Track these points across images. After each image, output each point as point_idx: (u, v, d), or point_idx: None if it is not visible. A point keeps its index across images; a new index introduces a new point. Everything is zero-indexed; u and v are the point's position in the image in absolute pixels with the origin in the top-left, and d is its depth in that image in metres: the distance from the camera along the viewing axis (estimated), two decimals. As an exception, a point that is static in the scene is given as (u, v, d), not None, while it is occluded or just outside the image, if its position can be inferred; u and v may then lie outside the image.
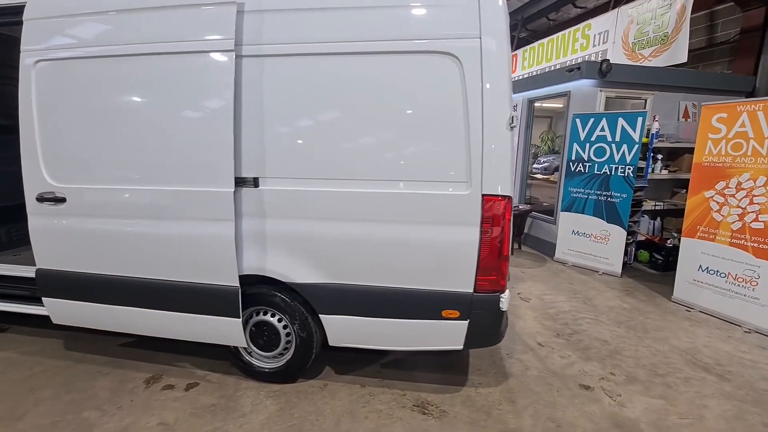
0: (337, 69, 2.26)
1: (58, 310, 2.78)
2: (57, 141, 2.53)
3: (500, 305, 2.32)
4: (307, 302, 2.53)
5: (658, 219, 5.92)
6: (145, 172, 2.43)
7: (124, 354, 3.07)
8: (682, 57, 6.27)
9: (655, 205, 5.68)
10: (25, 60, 2.53)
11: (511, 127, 2.18)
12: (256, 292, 2.56)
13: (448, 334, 2.41)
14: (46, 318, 2.85)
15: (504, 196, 2.21)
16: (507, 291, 2.36)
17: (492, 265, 2.27)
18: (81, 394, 2.61)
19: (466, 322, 2.36)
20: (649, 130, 5.18)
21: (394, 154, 2.27)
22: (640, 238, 5.67)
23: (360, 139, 2.29)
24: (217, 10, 2.25)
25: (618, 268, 5.17)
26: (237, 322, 2.48)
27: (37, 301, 3.01)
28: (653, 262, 5.47)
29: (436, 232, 2.28)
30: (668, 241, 5.47)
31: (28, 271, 3.22)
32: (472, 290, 2.32)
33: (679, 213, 6.03)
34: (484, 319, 2.36)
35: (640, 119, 4.76)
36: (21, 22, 2.61)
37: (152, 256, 2.50)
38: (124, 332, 2.74)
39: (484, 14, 2.12)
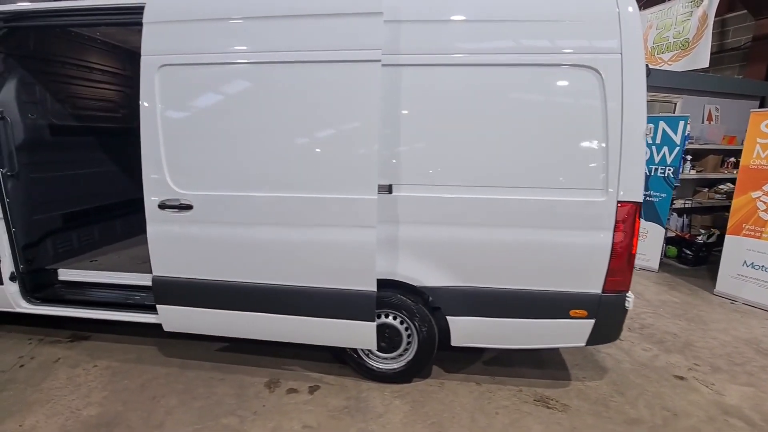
0: (475, 79, 2.33)
1: (173, 317, 2.76)
2: (183, 147, 2.51)
3: (626, 304, 2.47)
4: (429, 304, 2.62)
5: (686, 216, 6.26)
6: (281, 178, 2.44)
7: (228, 359, 3.07)
8: (704, 62, 6.61)
9: (685, 203, 6.01)
10: (147, 64, 2.48)
11: (646, 136, 2.31)
12: (382, 295, 2.62)
13: (573, 332, 2.55)
14: (129, 325, 2.83)
15: (636, 203, 2.35)
16: (630, 291, 2.51)
17: (622, 266, 2.41)
18: (207, 400, 2.61)
19: (592, 321, 2.50)
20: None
21: (529, 162, 2.37)
22: (670, 234, 5.99)
23: (496, 147, 2.38)
24: (364, 20, 2.27)
25: (655, 264, 5.47)
26: (371, 326, 2.54)
27: (142, 309, 2.99)
28: (682, 257, 5.79)
29: (570, 237, 2.40)
30: (698, 238, 5.81)
31: (138, 279, 3.19)
32: (600, 291, 2.45)
33: (704, 210, 6.38)
34: (610, 317, 2.51)
35: (681, 123, 5.03)
36: (137, 24, 2.57)
37: (284, 263, 2.52)
38: (242, 337, 2.75)
39: (624, 29, 2.24)
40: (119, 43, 4.09)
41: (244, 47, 2.38)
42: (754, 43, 7.10)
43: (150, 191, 2.57)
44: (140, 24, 2.51)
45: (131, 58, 4.31)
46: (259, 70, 2.39)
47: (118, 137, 4.13)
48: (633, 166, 2.30)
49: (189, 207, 2.54)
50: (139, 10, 2.51)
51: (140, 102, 2.51)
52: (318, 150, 2.39)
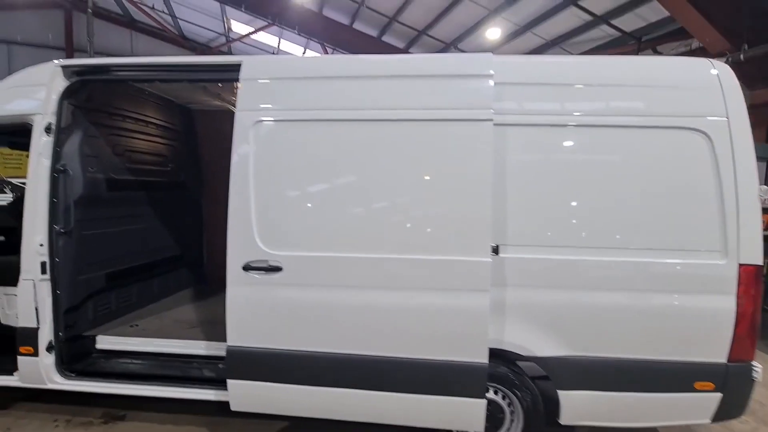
0: (587, 139, 2.32)
1: (247, 394, 2.42)
2: (276, 205, 2.36)
3: (753, 375, 2.29)
4: (535, 377, 2.38)
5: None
6: (384, 239, 2.28)
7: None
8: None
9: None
10: (243, 119, 2.41)
11: (763, 199, 2.29)
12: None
13: (697, 407, 2.33)
14: (171, 401, 2.53)
15: (757, 265, 2.27)
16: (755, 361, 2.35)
17: (747, 333, 2.27)
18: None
19: (719, 395, 2.30)
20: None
21: (645, 223, 2.29)
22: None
23: (610, 208, 2.31)
24: (475, 81, 2.28)
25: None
26: (480, 404, 2.26)
27: (197, 382, 2.64)
28: None
29: (690, 301, 2.27)
30: None
31: (188, 348, 2.85)
32: (725, 360, 2.28)
33: None
34: (738, 390, 2.31)
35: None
36: (232, 80, 2.52)
37: (384, 331, 2.29)
38: (326, 417, 2.41)
39: (727, 96, 2.30)
40: (171, 98, 4.05)
41: (348, 105, 2.34)
42: (751, 110, 7.63)
43: (235, 251, 2.36)
44: (236, 80, 2.48)
45: (181, 112, 4.27)
46: (361, 127, 2.33)
47: (164, 192, 3.95)
48: (751, 228, 2.25)
49: (278, 269, 2.32)
50: (235, 67, 2.47)
51: (232, 157, 2.39)
52: (426, 210, 2.28)
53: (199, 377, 2.70)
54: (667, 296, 2.27)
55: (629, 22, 8.65)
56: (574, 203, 2.30)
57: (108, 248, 3.23)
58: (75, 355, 2.86)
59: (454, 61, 2.41)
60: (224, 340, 2.94)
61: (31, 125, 2.66)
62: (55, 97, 2.67)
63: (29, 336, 2.66)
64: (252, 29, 13.51)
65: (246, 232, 2.35)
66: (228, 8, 12.58)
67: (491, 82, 2.26)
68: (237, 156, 2.38)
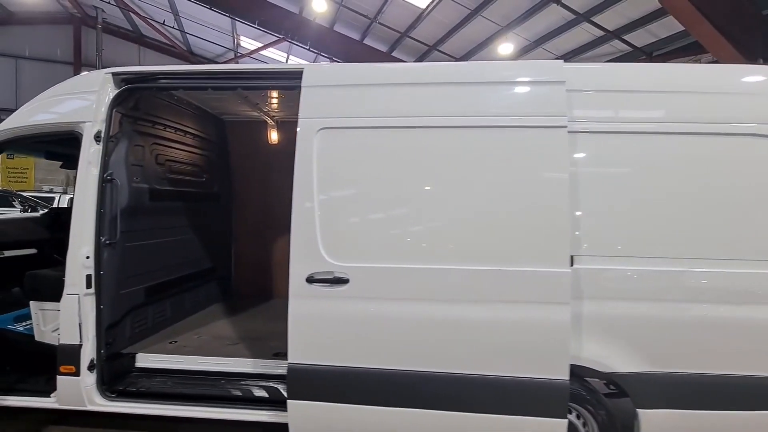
0: (658, 147, 2.26)
1: (309, 416, 2.28)
2: (342, 214, 2.27)
3: None
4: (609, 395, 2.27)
5: None
6: (456, 249, 2.20)
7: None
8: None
9: None
10: (306, 127, 2.34)
11: None
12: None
13: (786, 425, 2.22)
14: (213, 423, 2.38)
15: None
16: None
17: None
18: None
19: (812, 412, 2.19)
20: None
21: (728, 232, 2.21)
22: None
23: (690, 218, 2.23)
24: (547, 88, 2.23)
25: None
26: (561, 424, 2.14)
27: (246, 403, 2.50)
28: None
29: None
30: None
31: (234, 365, 2.71)
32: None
33: None
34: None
35: None
36: (291, 88, 2.47)
37: (455, 346, 2.17)
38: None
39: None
40: (207, 108, 4.00)
41: (416, 112, 2.28)
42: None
43: (298, 262, 2.26)
44: (296, 88, 2.43)
45: (215, 123, 4.21)
46: (431, 135, 2.27)
47: (199, 203, 3.85)
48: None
49: (344, 281, 2.22)
50: (296, 75, 2.42)
51: (296, 166, 2.31)
52: (501, 218, 2.19)
53: (250, 397, 2.56)
54: (756, 308, 2.18)
55: (640, 37, 8.81)
56: (652, 212, 2.22)
57: (148, 261, 3.11)
58: (115, 374, 2.71)
59: (525, 67, 2.36)
60: (270, 357, 2.84)
61: (80, 133, 2.58)
62: (105, 104, 2.60)
63: (71, 354, 2.51)
64: (260, 45, 13.68)
65: (310, 243, 2.25)
66: (238, 24, 12.75)
67: (564, 89, 2.22)
68: (300, 164, 2.31)
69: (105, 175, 2.58)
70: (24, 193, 8.91)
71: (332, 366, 2.23)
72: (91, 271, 2.53)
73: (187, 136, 3.68)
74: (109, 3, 12.85)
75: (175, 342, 3.10)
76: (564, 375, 2.11)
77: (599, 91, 2.30)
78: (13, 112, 2.67)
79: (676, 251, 2.20)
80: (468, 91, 2.28)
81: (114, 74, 2.65)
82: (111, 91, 2.63)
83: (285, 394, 2.44)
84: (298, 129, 2.35)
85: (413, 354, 2.19)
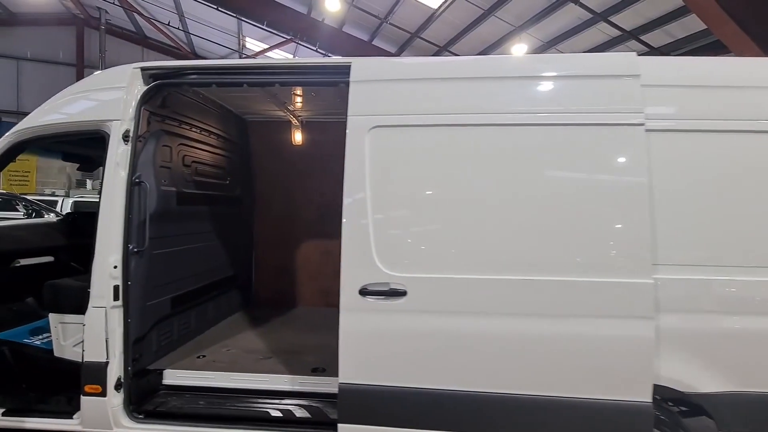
0: (745, 147, 2.08)
1: (362, 441, 2.08)
2: (398, 220, 2.08)
3: None
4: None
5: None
6: (526, 258, 2.00)
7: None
8: None
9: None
10: (356, 125, 2.15)
11: None
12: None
13: None
14: None
15: None
16: None
17: None
18: None
19: None
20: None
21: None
22: None
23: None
24: (621, 82, 2.06)
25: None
26: (643, 451, 1.95)
27: (289, 425, 2.30)
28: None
29: None
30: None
31: (272, 383, 2.51)
32: None
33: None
34: None
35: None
36: (337, 83, 2.29)
37: (525, 365, 1.98)
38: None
39: None
40: (230, 107, 3.81)
41: (478, 108, 2.10)
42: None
43: (350, 273, 2.07)
44: (339, 84, 2.25)
45: (237, 123, 4.02)
46: (497, 133, 2.08)
47: (223, 207, 3.65)
48: None
49: (401, 293, 2.03)
50: (342, 69, 2.24)
51: (346, 166, 2.12)
52: (573, 225, 2.00)
53: (292, 419, 2.36)
54: None
55: (657, 38, 8.69)
56: (741, 217, 2.04)
57: (174, 270, 2.91)
58: (141, 392, 2.51)
59: (597, 60, 2.19)
60: (309, 373, 2.64)
61: (106, 132, 2.38)
62: (133, 101, 2.41)
63: (97, 372, 2.31)
64: (266, 46, 13.52)
65: (363, 252, 2.06)
66: (244, 25, 12.59)
67: (639, 84, 2.04)
68: (351, 165, 2.12)
69: (134, 178, 2.39)
70: (28, 196, 8.68)
71: (389, 386, 2.03)
72: (119, 282, 2.33)
73: (211, 136, 3.48)
74: (113, 3, 12.68)
75: (204, 356, 2.89)
76: (647, 397, 1.92)
77: (678, 86, 2.12)
78: (15, 114, 2.49)
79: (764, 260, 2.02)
80: (533, 86, 2.10)
81: (143, 69, 2.46)
82: (139, 88, 2.44)
83: (331, 415, 2.26)
84: (347, 127, 2.16)
85: (479, 374, 2.00)
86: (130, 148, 2.37)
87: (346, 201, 2.10)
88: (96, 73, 2.64)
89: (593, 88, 2.08)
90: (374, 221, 2.07)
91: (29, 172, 13.14)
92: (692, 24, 7.92)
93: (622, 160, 2.01)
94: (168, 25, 13.21)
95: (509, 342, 1.98)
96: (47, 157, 3.33)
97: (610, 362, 1.94)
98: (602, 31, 8.91)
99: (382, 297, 2.04)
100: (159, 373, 2.64)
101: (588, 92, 2.08)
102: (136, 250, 2.42)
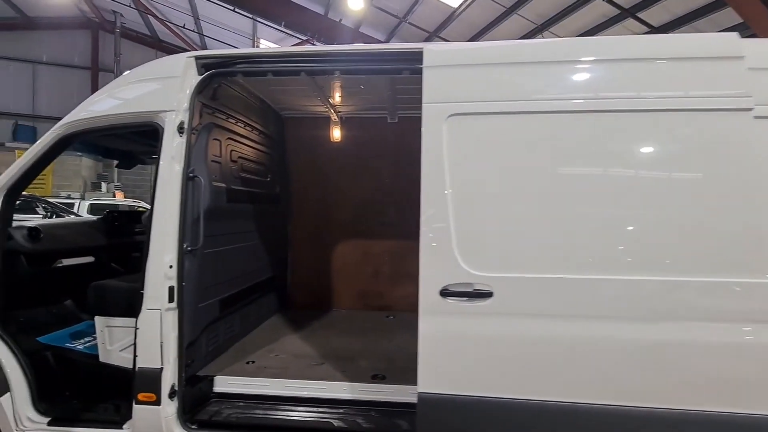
0: None
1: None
2: (482, 215, 1.92)
3: None
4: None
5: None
6: (627, 256, 1.83)
7: None
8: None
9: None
10: (432, 113, 2.00)
11: None
12: None
13: None
14: None
15: None
16: None
17: None
18: None
19: None
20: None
21: None
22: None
23: None
24: (725, 65, 1.89)
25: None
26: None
27: None
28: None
29: None
30: None
31: (332, 391, 2.36)
32: None
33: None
34: None
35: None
36: (399, 71, 2.16)
37: (636, 374, 1.79)
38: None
39: None
40: (270, 102, 3.68)
41: (569, 94, 1.93)
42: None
43: (429, 272, 1.91)
44: (407, 71, 2.12)
45: (276, 119, 3.89)
46: (590, 119, 1.91)
47: (264, 205, 3.52)
48: None
49: (487, 294, 1.86)
50: (413, 56, 2.10)
51: (422, 158, 1.97)
52: (682, 218, 1.83)
53: (356, 429, 2.20)
54: None
55: (655, 15, 8.43)
56: None
57: (223, 270, 2.77)
58: (194, 400, 2.36)
59: (698, 41, 2.02)
60: (368, 380, 2.49)
61: (160, 125, 2.25)
62: (188, 91, 2.28)
63: (151, 379, 2.16)
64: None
65: (443, 250, 1.90)
66: (259, 26, 12.56)
67: (745, 66, 1.88)
68: (428, 157, 1.96)
69: (188, 172, 2.25)
70: (49, 199, 8.65)
71: (475, 397, 1.87)
72: (174, 283, 2.19)
73: (254, 132, 3.35)
74: (128, 6, 12.71)
75: (253, 362, 2.74)
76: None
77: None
78: (31, 117, 2.36)
79: None
80: (629, 69, 1.93)
81: (197, 58, 2.33)
82: (194, 77, 2.32)
83: (403, 427, 2.11)
84: (422, 115, 2.01)
85: (579, 384, 1.82)
86: (184, 140, 2.24)
87: (425, 195, 1.94)
88: (148, 63, 2.48)
89: (695, 70, 1.91)
90: (455, 216, 1.91)
91: (45, 175, 13.14)
92: (722, 20, 7.74)
93: (727, 148, 1.84)
94: (183, 27, 13.22)
95: (616, 349, 1.80)
96: (88, 153, 3.21)
97: (747, 372, 1.75)
98: (627, 28, 8.74)
99: (465, 298, 1.87)
100: (210, 380, 2.50)
101: (690, 75, 1.91)
102: (190, 248, 2.29)
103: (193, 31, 13.77)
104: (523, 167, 1.93)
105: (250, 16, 10.90)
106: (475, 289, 1.87)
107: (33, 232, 2.50)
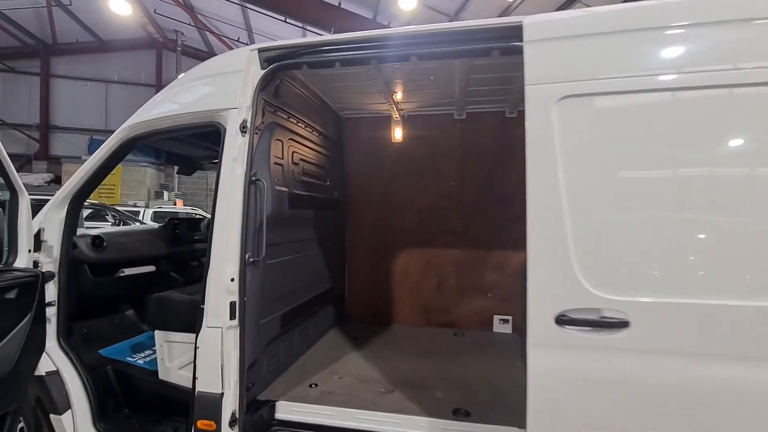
0: None
1: None
2: (609, 221, 1.52)
3: None
4: None
5: None
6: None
7: None
8: None
9: None
10: (537, 96, 1.62)
11: None
12: None
13: None
14: None
15: None
16: None
17: None
18: None
19: None
20: None
21: None
22: None
23: None
24: None
25: None
26: None
27: None
28: None
29: None
30: None
31: (431, 428, 2.04)
32: None
33: None
34: None
35: None
36: (489, 51, 1.81)
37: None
38: None
39: None
40: (329, 101, 3.47)
41: (723, 62, 1.49)
42: None
43: (541, 294, 1.52)
44: (501, 50, 1.77)
45: (334, 119, 3.68)
46: (748, 95, 1.46)
47: (324, 211, 3.29)
48: None
49: (621, 324, 1.45)
50: (510, 31, 1.74)
51: (527, 152, 1.60)
52: None
53: None
54: None
55: None
56: None
57: (284, 282, 2.54)
58: (255, 428, 2.12)
59: None
60: (449, 416, 2.12)
61: (221, 124, 2.06)
62: (251, 87, 2.08)
63: (211, 405, 1.95)
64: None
65: (559, 265, 1.51)
66: (309, 35, 12.74)
67: None
68: (535, 149, 1.59)
69: (251, 175, 2.04)
70: (117, 208, 9.18)
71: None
72: (236, 297, 1.97)
73: (314, 132, 3.14)
74: (188, 25, 13.42)
75: (316, 385, 2.47)
76: None
77: None
78: (103, 132, 2.27)
79: None
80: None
81: (260, 51, 2.12)
82: (256, 72, 2.11)
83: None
84: (525, 100, 1.64)
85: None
86: (247, 140, 2.03)
87: (531, 196, 1.57)
88: (209, 60, 2.33)
89: None
90: (574, 223, 1.52)
91: (115, 185, 14.12)
92: None
93: None
94: (237, 41, 13.72)
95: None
96: (150, 158, 3.15)
97: None
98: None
99: (590, 328, 1.47)
100: (272, 406, 2.25)
101: None
102: (252, 259, 2.07)
103: (246, 44, 14.26)
104: (662, 158, 1.50)
105: (300, 25, 11.03)
106: (603, 317, 1.46)
107: (97, 240, 2.42)
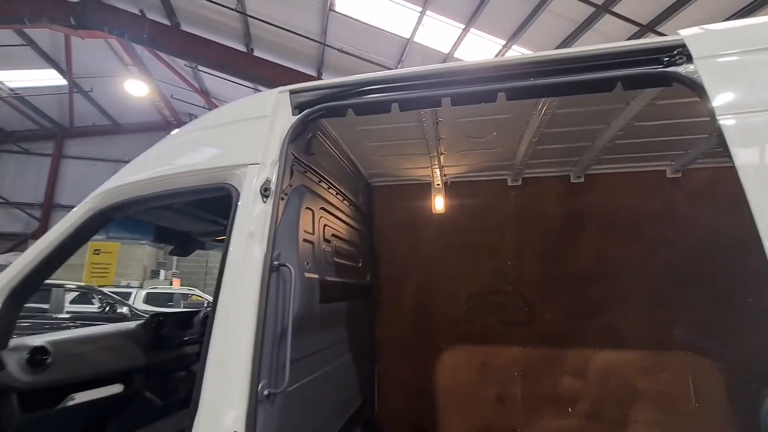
0: None
1: None
2: None
3: None
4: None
5: None
6: None
7: None
8: None
9: None
10: (743, 129, 1.03)
11: None
12: None
13: None
14: None
15: None
16: None
17: None
18: None
19: None
20: None
21: None
22: None
23: None
24: None
25: None
26: None
27: None
28: None
29: None
30: None
31: None
32: None
33: None
34: None
35: None
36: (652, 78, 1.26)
37: None
38: None
39: None
40: (361, 167, 2.93)
41: None
42: None
43: None
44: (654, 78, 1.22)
45: (364, 186, 3.11)
46: None
47: (356, 301, 2.54)
48: None
49: None
50: (664, 50, 1.22)
51: (750, 198, 0.95)
52: None
53: None
54: None
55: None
56: None
57: (311, 418, 1.72)
58: None
59: None
60: None
61: (233, 186, 1.45)
62: (278, 138, 1.51)
63: None
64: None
65: None
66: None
67: None
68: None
69: (273, 258, 1.37)
70: (105, 289, 8.35)
71: None
72: None
73: (345, 202, 2.53)
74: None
75: None
76: None
77: None
78: None
79: None
80: None
81: (291, 92, 1.60)
82: (287, 120, 1.56)
83: None
84: (726, 137, 1.04)
85: None
86: (270, 208, 1.40)
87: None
88: (223, 106, 1.81)
89: None
90: None
91: (110, 264, 13.37)
92: None
93: None
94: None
95: None
96: (132, 234, 2.48)
97: None
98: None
99: None
100: None
101: None
102: (268, 392, 1.30)
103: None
104: None
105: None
106: None
107: (38, 355, 1.65)
